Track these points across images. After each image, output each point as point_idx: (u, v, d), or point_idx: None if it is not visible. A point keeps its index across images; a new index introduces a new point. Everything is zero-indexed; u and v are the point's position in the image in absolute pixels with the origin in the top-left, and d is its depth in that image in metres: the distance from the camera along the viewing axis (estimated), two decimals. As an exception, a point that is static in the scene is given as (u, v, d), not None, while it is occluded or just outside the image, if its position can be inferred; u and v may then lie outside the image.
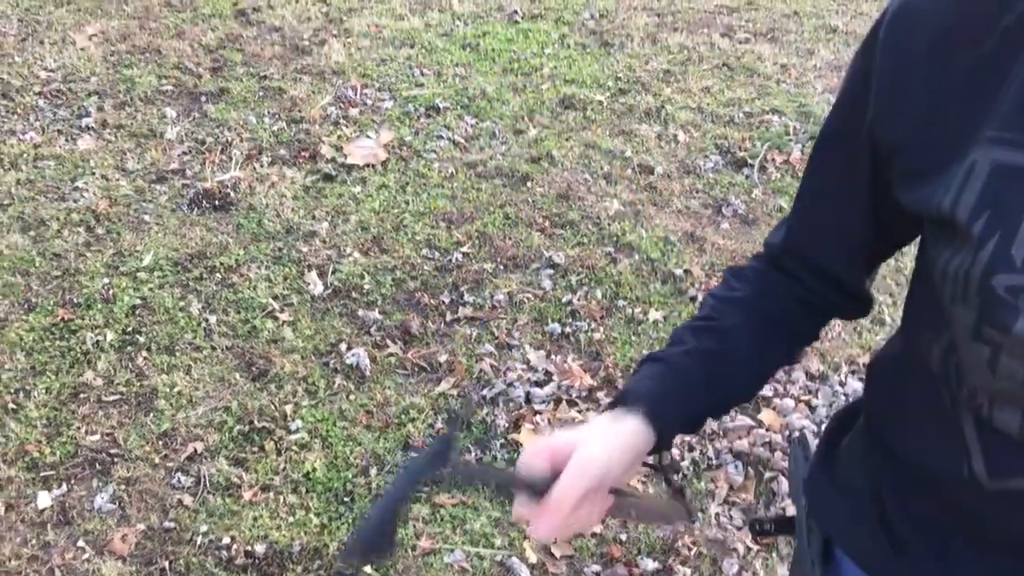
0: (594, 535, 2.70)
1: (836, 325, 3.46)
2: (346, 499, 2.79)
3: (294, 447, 2.94)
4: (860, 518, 1.17)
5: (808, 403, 3.10)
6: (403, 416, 3.06)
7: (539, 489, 1.03)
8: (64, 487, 2.79)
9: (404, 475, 1.14)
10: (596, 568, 2.62)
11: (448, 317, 3.45)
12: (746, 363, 1.19)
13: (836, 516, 1.22)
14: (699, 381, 1.14)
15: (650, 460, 1.16)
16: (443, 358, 3.28)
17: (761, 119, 4.61)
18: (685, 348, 1.18)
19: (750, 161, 4.34)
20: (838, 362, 3.28)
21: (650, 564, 2.61)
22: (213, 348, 3.29)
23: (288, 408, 3.07)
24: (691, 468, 2.89)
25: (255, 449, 2.94)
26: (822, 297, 1.19)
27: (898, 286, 3.63)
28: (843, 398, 3.08)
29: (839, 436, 1.26)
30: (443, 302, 3.52)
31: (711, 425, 3.01)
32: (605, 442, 1.05)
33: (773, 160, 4.39)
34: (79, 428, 2.97)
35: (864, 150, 1.05)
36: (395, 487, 1.12)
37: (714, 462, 2.91)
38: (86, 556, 2.62)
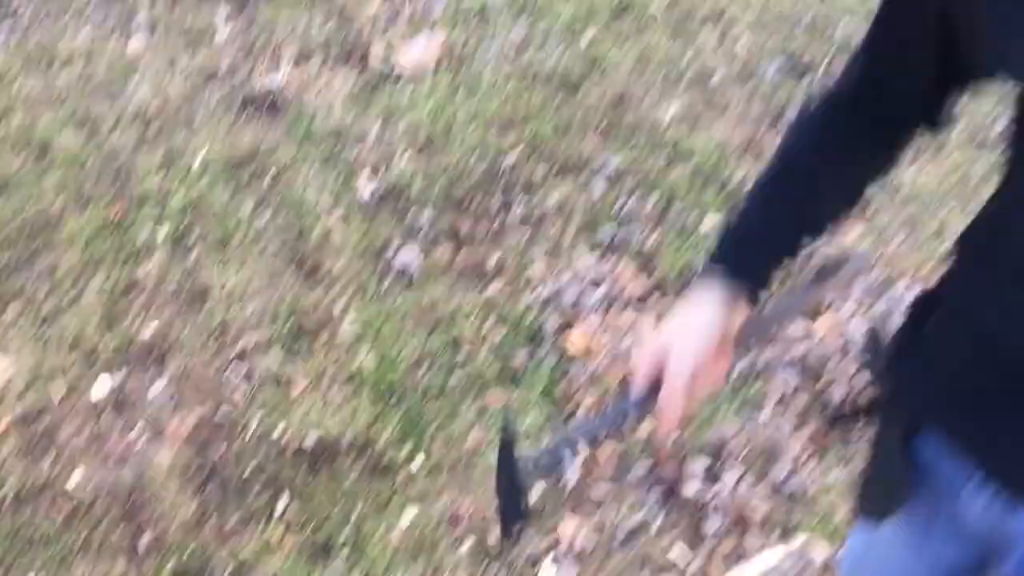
0: (643, 436, 2.69)
1: (899, 233, 3.36)
2: (395, 395, 2.80)
3: (344, 344, 2.95)
4: (951, 397, 1.13)
5: (867, 312, 3.02)
6: (452, 317, 3.05)
7: (650, 408, 1.16)
8: (120, 377, 2.84)
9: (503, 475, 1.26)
10: (644, 468, 2.61)
11: (498, 221, 3.41)
12: (827, 198, 1.20)
13: (924, 396, 1.17)
14: (781, 228, 1.18)
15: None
16: (493, 261, 3.25)
17: (827, 24, 4.42)
18: (763, 196, 1.19)
19: (814, 68, 4.18)
20: (902, 270, 3.18)
21: (699, 465, 2.59)
22: (264, 247, 3.29)
23: (338, 306, 3.07)
24: (744, 373, 2.84)
25: (306, 345, 2.95)
26: (896, 123, 1.18)
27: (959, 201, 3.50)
28: (906, 303, 2.99)
29: (924, 316, 1.20)
30: (493, 206, 3.47)
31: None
32: (692, 336, 1.13)
33: (839, 67, 4.21)
34: (134, 321, 3.01)
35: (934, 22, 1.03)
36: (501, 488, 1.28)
37: (767, 369, 2.86)
38: (142, 443, 2.67)
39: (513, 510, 1.28)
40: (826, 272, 1.31)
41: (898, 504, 1.25)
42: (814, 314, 3.04)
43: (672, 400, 1.12)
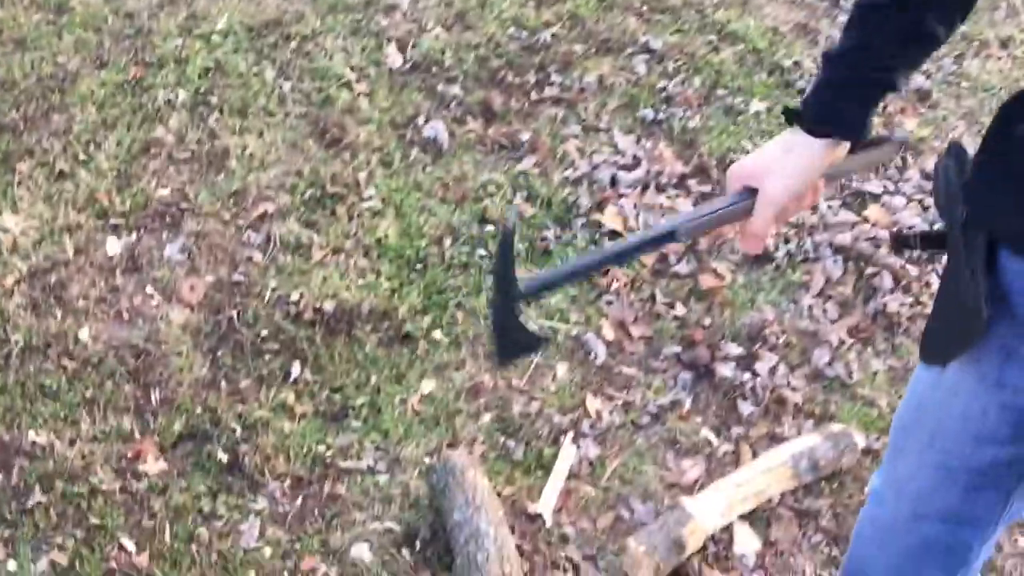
0: (676, 319, 2.56)
1: (958, 125, 3.15)
2: (418, 266, 2.68)
3: (366, 213, 2.82)
4: None
5: (920, 202, 2.84)
6: (480, 191, 2.91)
7: (741, 213, 1.21)
8: (134, 236, 2.74)
9: (501, 279, 1.31)
10: (676, 349, 2.48)
11: (533, 96, 3.24)
12: (914, 36, 1.16)
13: (1008, 208, 1.03)
14: (871, 69, 1.16)
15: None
16: (525, 137, 3.09)
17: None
18: (850, 43, 1.17)
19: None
20: (957, 162, 2.98)
21: (734, 349, 2.46)
22: (286, 114, 3.15)
23: (361, 176, 2.93)
24: (786, 259, 2.69)
25: (326, 213, 2.83)
26: None
27: None
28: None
29: (1014, 122, 1.05)
30: (528, 81, 3.29)
31: (809, 218, 2.79)
32: (790, 168, 1.18)
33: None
34: (149, 181, 2.89)
35: None
36: (496, 298, 1.36)
37: (811, 255, 2.70)
38: (154, 302, 2.57)
39: (507, 329, 1.30)
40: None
41: (971, 339, 1.12)
42: (862, 203, 2.87)
43: (762, 226, 1.20)
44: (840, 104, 1.17)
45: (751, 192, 1.20)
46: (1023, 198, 1.02)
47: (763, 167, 1.18)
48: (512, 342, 1.33)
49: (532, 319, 2.54)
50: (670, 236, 1.24)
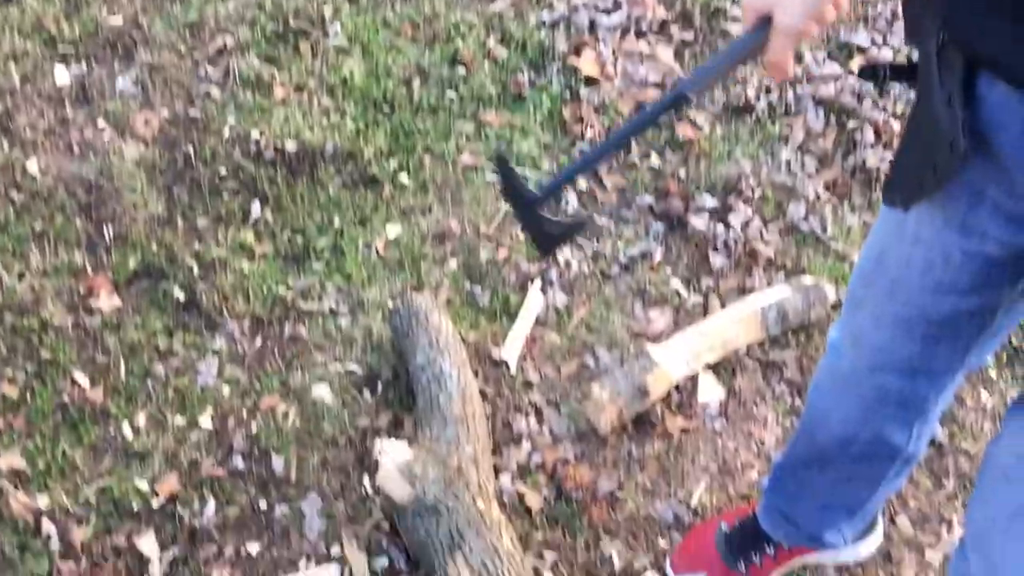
0: (650, 169, 2.48)
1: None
2: (385, 108, 2.56)
3: (331, 51, 2.68)
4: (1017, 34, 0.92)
5: (909, 56, 2.74)
6: (452, 31, 2.76)
7: (759, 47, 1.15)
8: (84, 66, 2.59)
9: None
10: (649, 200, 2.42)
11: None
12: None
13: (995, 31, 0.95)
14: None
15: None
16: (502, -25, 2.92)
17: None
18: None
19: None
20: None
21: (709, 200, 2.40)
22: (247, -58, 2.95)
23: (327, 11, 2.77)
24: (766, 111, 2.60)
25: (289, 49, 2.68)
26: None
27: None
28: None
29: None
30: (506, -83, 3.09)
31: (793, 69, 2.68)
32: None
33: None
34: (100, 8, 2.72)
35: None
36: (516, 211, 1.38)
37: (793, 107, 2.61)
38: (106, 136, 2.45)
39: (537, 230, 1.35)
40: None
41: (943, 176, 1.05)
42: (849, 55, 2.76)
43: (780, 55, 1.14)
44: None
45: (767, 22, 1.13)
46: (1008, 15, 0.94)
47: None
48: (547, 237, 1.37)
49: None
50: (680, 99, 1.18)
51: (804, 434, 1.58)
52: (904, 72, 1.15)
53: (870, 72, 1.19)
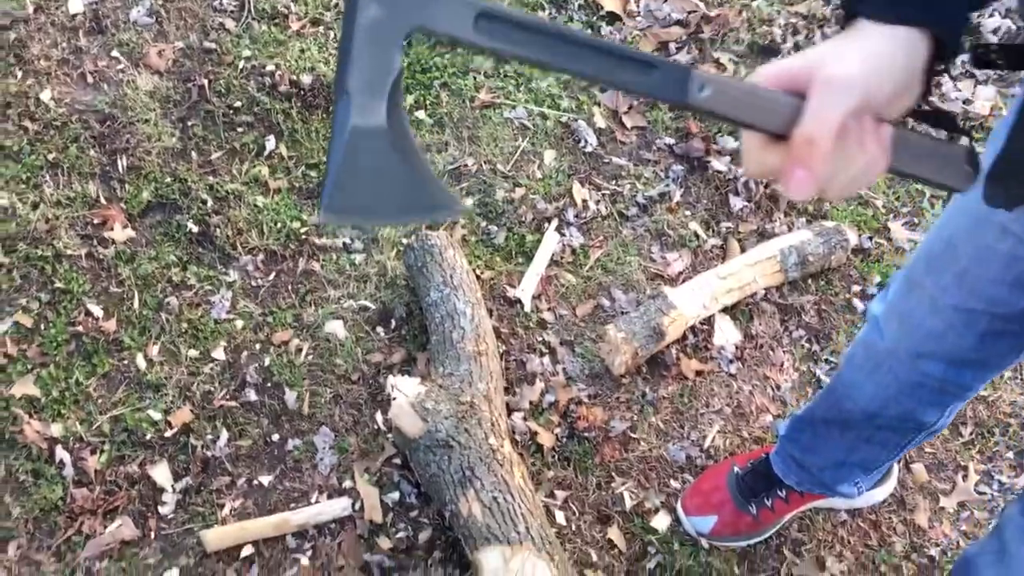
0: (671, 110, 2.43)
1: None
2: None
3: (349, -17, 2.62)
4: None
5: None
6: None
7: (783, 118, 0.74)
8: (97, -5, 2.54)
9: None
10: (669, 141, 2.37)
11: None
12: None
13: None
14: None
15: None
16: (523, -91, 2.85)
17: None
18: None
19: None
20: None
21: (730, 142, 2.36)
22: None
23: (344, -57, 2.71)
24: (793, 51, 2.54)
25: (306, -19, 2.63)
26: None
27: None
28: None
29: None
30: None
31: (821, 9, 2.61)
32: (860, 54, 0.74)
33: None
34: (114, -63, 2.66)
35: None
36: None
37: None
38: (120, 67, 2.42)
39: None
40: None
41: None
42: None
43: (822, 126, 0.72)
44: None
45: (797, 97, 0.76)
46: None
47: (817, 58, 0.76)
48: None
49: (520, 103, 2.41)
50: (678, 85, 0.74)
51: (829, 397, 1.55)
52: (1020, 56, 0.95)
53: (982, 59, 0.95)
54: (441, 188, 0.73)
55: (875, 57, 0.74)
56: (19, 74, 2.37)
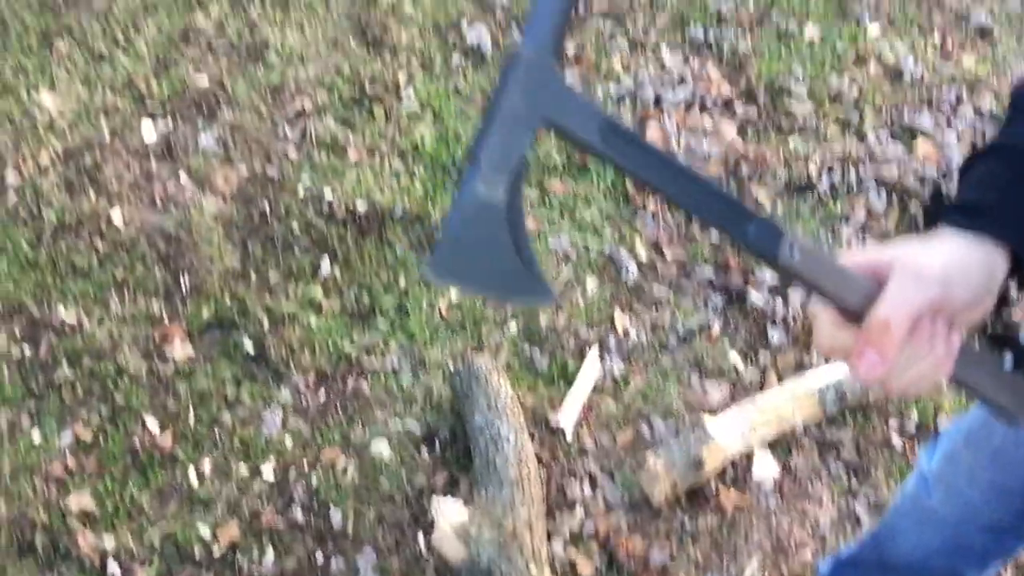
0: (710, 242, 2.51)
1: (1018, 64, 3.04)
2: (453, 172, 2.64)
3: (404, 116, 2.78)
4: None
5: (973, 141, 2.75)
6: (521, 100, 2.84)
7: (863, 298, 0.76)
8: (169, 122, 2.71)
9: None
10: (708, 273, 2.45)
11: (580, 8, 3.15)
12: None
13: None
14: None
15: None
16: (570, 48, 3.01)
17: None
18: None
19: None
20: (1015, 102, 2.89)
21: (768, 276, 2.42)
22: (328, 10, 3.08)
23: (401, 78, 2.88)
24: (828, 190, 2.63)
25: (364, 113, 2.79)
26: None
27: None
28: (1014, 139, 2.73)
29: None
30: (577, -8, 3.20)
31: (856, 150, 2.72)
32: (942, 254, 0.77)
33: None
34: (187, 68, 2.85)
35: None
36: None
37: (855, 187, 2.64)
38: (188, 190, 2.56)
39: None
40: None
41: None
42: (912, 136, 2.79)
43: (900, 310, 0.74)
44: (1011, 198, 0.81)
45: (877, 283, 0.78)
46: None
47: (901, 250, 0.77)
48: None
49: (565, 231, 2.51)
50: (771, 243, 0.75)
51: (874, 544, 1.56)
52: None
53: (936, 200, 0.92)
54: (540, 276, 0.75)
55: (956, 261, 0.77)
56: (93, 195, 2.52)
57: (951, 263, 0.76)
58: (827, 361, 2.27)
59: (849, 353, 0.76)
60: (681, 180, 0.76)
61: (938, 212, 0.81)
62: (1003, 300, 0.82)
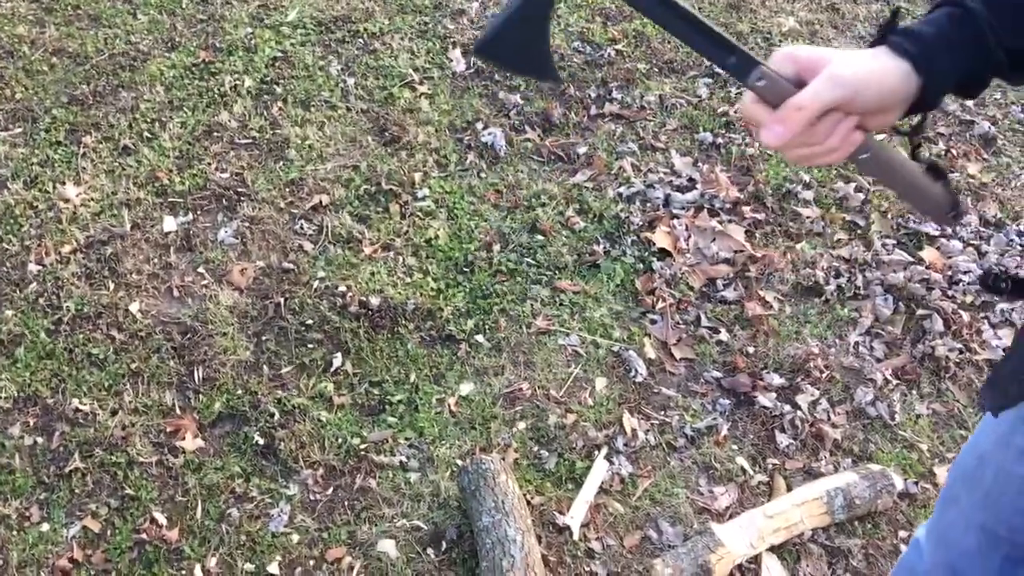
0: (719, 344, 2.54)
1: (1022, 175, 3.10)
2: (465, 269, 2.69)
3: (418, 213, 2.84)
4: None
5: (978, 248, 2.80)
6: (533, 200, 2.91)
7: (778, 90, 0.96)
8: (190, 216, 2.78)
9: None
10: (717, 374, 2.47)
11: (593, 111, 3.24)
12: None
13: None
14: (986, 34, 0.95)
15: (900, 123, 1.04)
16: (582, 150, 3.09)
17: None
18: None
19: (949, -6, 3.87)
20: (1018, 211, 2.94)
21: (776, 379, 2.44)
22: (348, 109, 3.18)
23: (417, 176, 2.95)
24: (836, 293, 2.66)
25: (379, 209, 2.85)
26: None
27: (1101, 144, 3.21)
28: (1018, 247, 2.77)
29: None
30: (589, 96, 3.30)
31: (863, 254, 2.76)
32: (862, 66, 0.94)
33: (976, -4, 3.90)
34: (210, 164, 2.93)
35: None
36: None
37: (862, 292, 2.67)
38: (205, 282, 2.61)
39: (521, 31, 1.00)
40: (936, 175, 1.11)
41: None
42: (918, 245, 2.83)
43: (809, 100, 0.92)
44: (942, 49, 0.96)
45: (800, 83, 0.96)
46: None
47: (829, 55, 0.95)
48: (513, 45, 1.01)
49: (574, 331, 2.54)
50: (744, 71, 0.96)
51: None
52: None
53: (992, 286, 1.14)
54: (555, 68, 1.08)
55: (873, 73, 0.94)
56: (111, 286, 2.56)
57: (869, 74, 0.94)
58: (835, 469, 2.27)
59: (761, 123, 0.96)
60: (681, 20, 0.96)
61: (883, 34, 0.97)
62: (917, 129, 1.07)
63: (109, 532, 2.07)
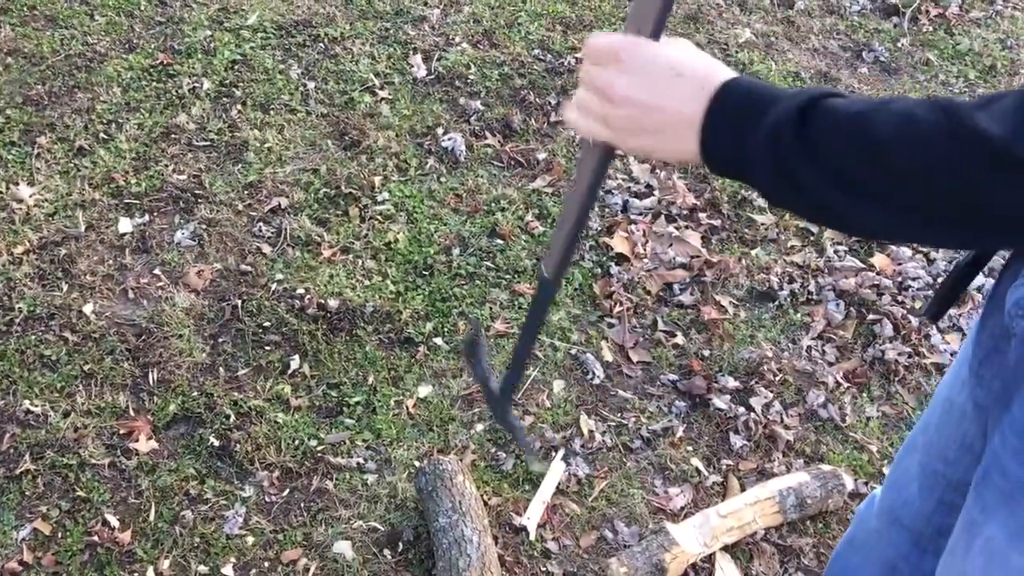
0: (675, 347, 2.57)
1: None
2: (425, 272, 2.70)
3: (378, 217, 2.84)
4: None
5: (927, 255, 2.86)
6: (493, 204, 2.93)
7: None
8: (146, 217, 2.76)
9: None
10: (673, 377, 2.50)
11: (552, 118, 3.27)
12: None
13: None
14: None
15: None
16: (542, 156, 3.12)
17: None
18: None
19: (902, 9, 3.97)
20: (966, 219, 3.01)
21: (731, 382, 2.47)
22: (308, 113, 3.18)
23: (377, 180, 2.96)
24: (789, 298, 2.71)
25: (339, 212, 2.85)
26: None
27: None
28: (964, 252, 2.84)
29: None
30: (549, 103, 3.33)
31: (815, 261, 2.81)
32: (653, 57, 0.92)
33: (927, 11, 4.00)
34: (167, 165, 2.91)
35: None
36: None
37: (814, 297, 2.72)
38: (161, 284, 2.59)
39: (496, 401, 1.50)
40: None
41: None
42: (870, 251, 2.89)
43: (600, 39, 0.93)
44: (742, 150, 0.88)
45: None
46: None
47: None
48: (505, 422, 1.55)
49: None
50: (545, 287, 1.20)
51: None
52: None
53: (935, 315, 1.14)
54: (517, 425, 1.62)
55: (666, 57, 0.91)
56: (65, 287, 2.54)
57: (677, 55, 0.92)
58: (788, 469, 2.30)
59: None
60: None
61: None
62: None
63: (60, 534, 2.04)
